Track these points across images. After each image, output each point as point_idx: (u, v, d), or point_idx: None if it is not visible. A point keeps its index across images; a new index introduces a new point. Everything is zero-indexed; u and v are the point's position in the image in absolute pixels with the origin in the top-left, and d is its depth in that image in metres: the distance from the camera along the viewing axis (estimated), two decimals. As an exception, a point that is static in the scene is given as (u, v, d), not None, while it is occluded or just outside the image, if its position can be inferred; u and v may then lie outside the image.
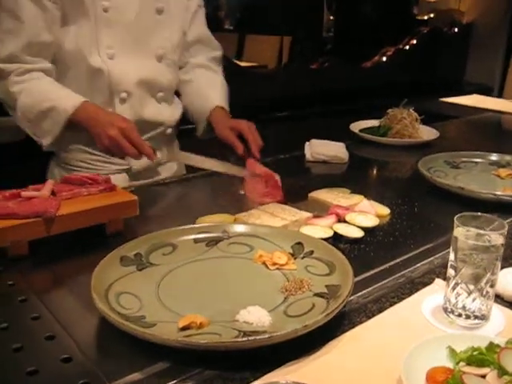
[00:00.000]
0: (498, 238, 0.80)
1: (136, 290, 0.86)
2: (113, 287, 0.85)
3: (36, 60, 1.41)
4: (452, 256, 0.83)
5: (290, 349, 0.74)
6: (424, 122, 2.07)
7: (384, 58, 4.42)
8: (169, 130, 1.64)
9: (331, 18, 6.24)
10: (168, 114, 1.62)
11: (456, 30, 4.94)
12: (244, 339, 0.71)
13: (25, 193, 1.09)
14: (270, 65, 4.94)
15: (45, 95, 1.39)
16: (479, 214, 0.84)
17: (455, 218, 0.82)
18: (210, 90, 1.69)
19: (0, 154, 2.53)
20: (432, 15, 4.98)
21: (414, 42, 4.61)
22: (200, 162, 1.40)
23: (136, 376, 0.70)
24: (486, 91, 4.72)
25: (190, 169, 1.68)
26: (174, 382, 0.70)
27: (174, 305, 0.83)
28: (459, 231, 0.81)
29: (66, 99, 1.39)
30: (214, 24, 1.79)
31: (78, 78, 1.45)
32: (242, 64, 4.99)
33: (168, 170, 1.67)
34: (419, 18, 4.97)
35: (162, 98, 1.59)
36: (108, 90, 1.47)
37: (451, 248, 0.83)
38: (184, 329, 0.76)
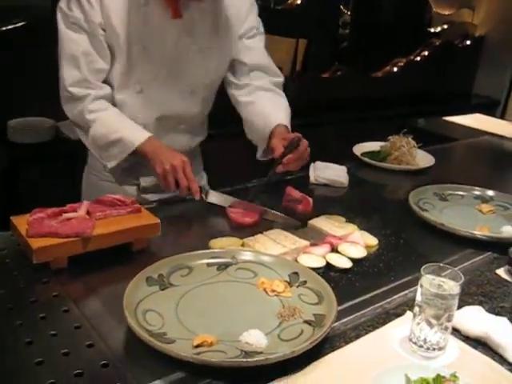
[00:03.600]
0: (455, 288, 0.98)
1: (159, 308, 1.05)
2: (140, 305, 1.04)
3: (102, 85, 1.55)
4: (418, 297, 1.01)
5: (281, 367, 0.92)
6: (423, 144, 2.23)
7: (395, 69, 4.56)
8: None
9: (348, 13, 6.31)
10: (184, 143, 1.75)
11: (468, 42, 5.06)
12: (244, 360, 0.90)
13: (65, 214, 1.28)
14: (284, 68, 5.06)
15: (115, 126, 1.55)
16: (441, 264, 1.03)
17: (422, 268, 1.01)
18: (273, 110, 1.71)
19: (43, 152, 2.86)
20: (445, 27, 5.10)
21: (426, 53, 4.74)
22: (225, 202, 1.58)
23: (156, 383, 0.90)
24: (492, 105, 4.87)
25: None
26: (188, 389, 0.89)
27: (189, 323, 1.02)
28: (424, 280, 0.99)
29: (134, 133, 1.55)
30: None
31: None
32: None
33: None
34: (432, 29, 5.08)
35: (183, 129, 1.72)
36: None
37: (418, 290, 1.01)
38: (198, 346, 0.95)
